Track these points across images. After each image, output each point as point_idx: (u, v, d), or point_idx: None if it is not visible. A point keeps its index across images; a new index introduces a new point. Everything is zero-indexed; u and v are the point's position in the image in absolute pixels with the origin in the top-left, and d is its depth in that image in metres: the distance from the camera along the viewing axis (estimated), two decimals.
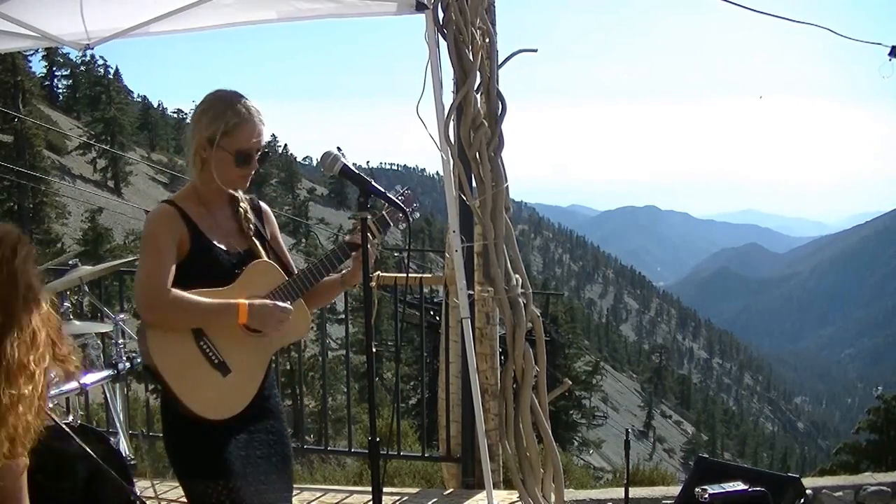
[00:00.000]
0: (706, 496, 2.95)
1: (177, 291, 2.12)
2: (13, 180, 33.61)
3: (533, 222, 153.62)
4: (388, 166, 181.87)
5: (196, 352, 2.17)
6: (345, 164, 2.30)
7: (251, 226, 2.37)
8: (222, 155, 2.22)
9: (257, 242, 2.36)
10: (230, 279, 2.24)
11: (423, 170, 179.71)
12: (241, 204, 2.37)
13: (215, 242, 2.26)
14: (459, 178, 3.71)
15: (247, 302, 2.19)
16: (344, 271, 2.46)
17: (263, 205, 2.47)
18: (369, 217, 2.38)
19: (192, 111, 2.30)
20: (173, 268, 2.15)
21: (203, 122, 2.22)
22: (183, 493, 2.23)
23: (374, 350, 2.36)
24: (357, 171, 2.32)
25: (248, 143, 2.23)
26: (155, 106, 74.62)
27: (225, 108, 2.21)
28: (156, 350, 2.12)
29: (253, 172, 2.29)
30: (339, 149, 2.34)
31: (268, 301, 2.23)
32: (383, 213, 2.46)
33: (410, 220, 2.46)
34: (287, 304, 2.26)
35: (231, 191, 2.34)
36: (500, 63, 3.79)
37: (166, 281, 2.12)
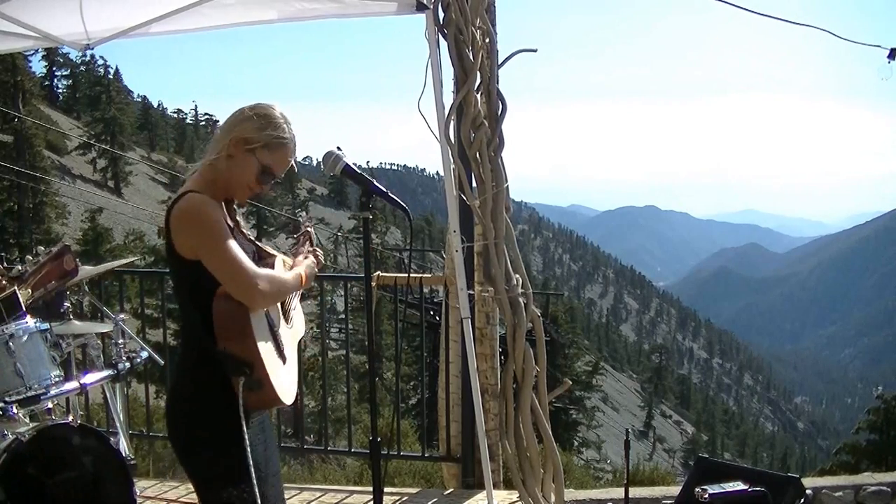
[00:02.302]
0: (706, 496, 2.95)
1: (266, 271, 2.15)
2: (13, 180, 33.59)
3: (533, 222, 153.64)
4: (388, 166, 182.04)
5: (272, 340, 2.19)
6: (347, 164, 2.32)
7: (242, 226, 2.38)
8: (250, 161, 2.19)
9: (253, 240, 2.39)
10: None
11: (423, 170, 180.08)
12: (235, 205, 2.37)
13: (237, 236, 2.25)
14: (460, 178, 3.72)
15: (301, 271, 2.31)
16: None
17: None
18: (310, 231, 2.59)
19: (242, 108, 2.23)
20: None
21: (249, 126, 2.18)
22: (187, 494, 2.21)
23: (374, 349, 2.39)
24: (359, 171, 2.33)
25: (279, 168, 2.23)
26: (155, 106, 74.74)
27: (276, 126, 2.19)
28: (257, 334, 2.08)
29: (258, 194, 2.30)
30: (339, 148, 2.35)
31: (308, 261, 2.39)
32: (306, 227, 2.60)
33: (412, 218, 2.48)
34: (309, 259, 2.41)
35: (231, 198, 2.32)
36: (500, 63, 3.79)
37: (251, 261, 2.12)
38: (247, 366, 2.06)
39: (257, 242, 2.40)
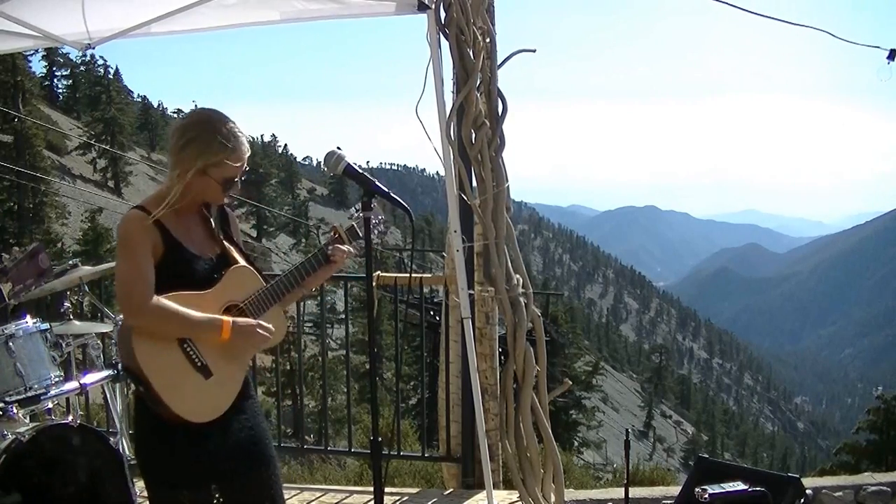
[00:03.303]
0: (706, 496, 2.95)
1: (161, 300, 2.11)
2: (13, 180, 33.58)
3: (533, 222, 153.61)
4: (388, 166, 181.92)
5: (179, 354, 2.16)
6: (349, 164, 2.31)
7: (220, 231, 2.36)
8: (209, 182, 2.21)
9: (229, 246, 2.36)
10: (207, 284, 2.24)
11: (423, 170, 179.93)
12: (213, 210, 2.36)
13: (188, 248, 2.25)
14: (460, 178, 3.72)
15: (231, 320, 2.19)
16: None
17: (227, 209, 2.44)
18: (340, 225, 2.45)
19: (176, 128, 2.22)
20: (153, 272, 2.14)
21: (190, 152, 2.16)
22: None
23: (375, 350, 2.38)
24: (360, 171, 2.32)
25: (235, 171, 2.23)
26: (155, 106, 74.61)
27: (213, 138, 2.17)
28: (140, 351, 2.11)
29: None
30: (338, 148, 2.35)
31: (252, 321, 2.23)
32: (353, 223, 2.45)
33: (413, 218, 2.47)
34: (269, 325, 2.26)
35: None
36: (499, 63, 3.79)
37: (148, 286, 2.11)
38: (140, 383, 2.12)
39: (232, 247, 2.35)
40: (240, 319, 2.21)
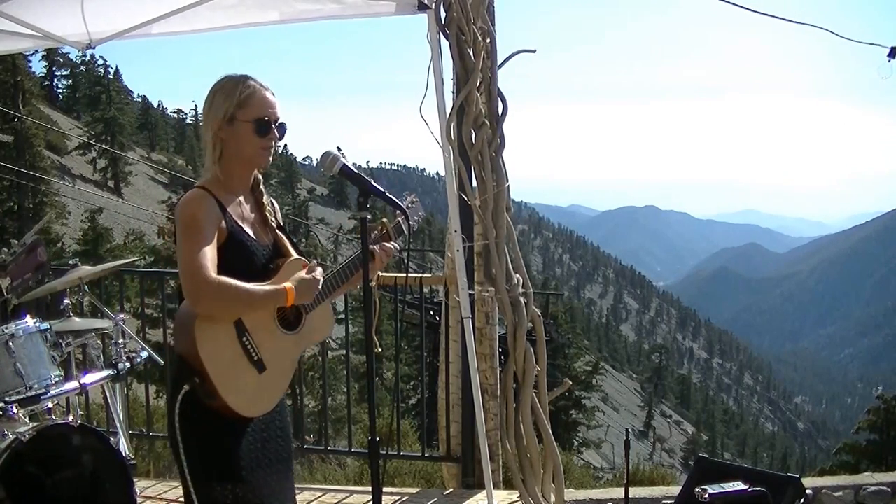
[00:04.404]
0: (706, 496, 2.95)
1: (224, 278, 2.07)
2: (13, 180, 33.58)
3: (533, 222, 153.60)
4: (388, 166, 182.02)
5: (238, 347, 2.15)
6: (344, 164, 2.30)
7: (273, 218, 2.37)
8: (241, 127, 2.20)
9: (281, 235, 2.37)
10: (263, 272, 2.24)
11: (423, 170, 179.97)
12: (265, 197, 2.37)
13: (248, 232, 2.25)
14: (461, 178, 3.72)
15: (290, 285, 2.19)
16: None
17: (273, 199, 2.46)
18: (387, 223, 2.47)
19: (204, 102, 2.27)
20: (216, 254, 2.10)
21: (216, 103, 2.21)
22: (183, 493, 2.21)
23: (376, 350, 2.38)
24: (357, 171, 2.32)
25: (264, 111, 2.23)
26: (155, 106, 74.73)
27: (235, 84, 2.21)
28: (202, 342, 2.07)
29: (273, 145, 2.27)
30: (338, 148, 2.34)
31: (303, 275, 2.25)
32: (398, 220, 2.49)
33: (411, 220, 2.48)
34: (316, 273, 2.28)
35: (255, 169, 2.33)
36: (499, 63, 3.79)
37: (212, 267, 2.07)
38: (195, 374, 2.09)
39: (284, 236, 2.37)
40: (294, 279, 2.21)
